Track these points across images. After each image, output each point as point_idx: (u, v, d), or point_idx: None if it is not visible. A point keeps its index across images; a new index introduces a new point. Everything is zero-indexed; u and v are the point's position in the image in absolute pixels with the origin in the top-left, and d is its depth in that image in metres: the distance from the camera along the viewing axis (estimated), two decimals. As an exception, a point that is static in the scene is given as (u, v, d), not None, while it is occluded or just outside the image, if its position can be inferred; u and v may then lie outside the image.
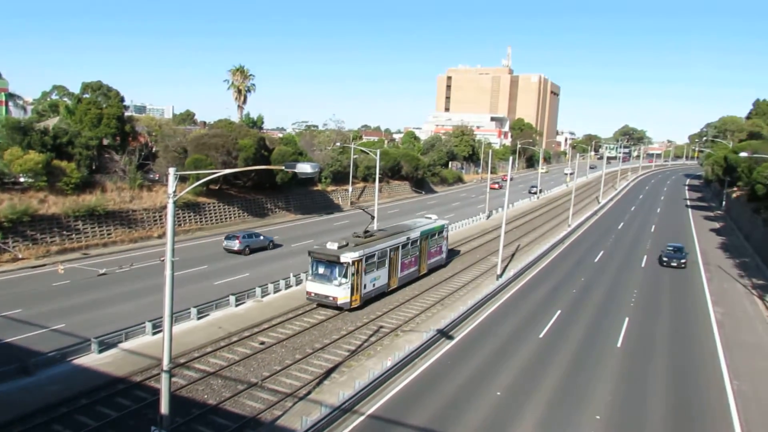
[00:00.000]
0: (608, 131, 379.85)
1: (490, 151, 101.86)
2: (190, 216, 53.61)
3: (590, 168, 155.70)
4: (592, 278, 42.42)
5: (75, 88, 70.32)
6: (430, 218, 45.65)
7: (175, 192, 14.69)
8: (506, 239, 44.25)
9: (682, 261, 46.82)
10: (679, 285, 41.63)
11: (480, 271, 43.83)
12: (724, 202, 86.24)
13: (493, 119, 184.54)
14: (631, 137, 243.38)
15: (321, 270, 32.39)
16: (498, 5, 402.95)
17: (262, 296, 34.06)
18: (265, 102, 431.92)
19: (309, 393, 22.33)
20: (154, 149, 60.71)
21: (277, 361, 25.31)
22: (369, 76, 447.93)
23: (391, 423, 20.14)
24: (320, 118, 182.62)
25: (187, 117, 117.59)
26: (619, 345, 28.86)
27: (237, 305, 32.09)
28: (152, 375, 22.67)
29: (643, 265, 47.76)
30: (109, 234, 45.80)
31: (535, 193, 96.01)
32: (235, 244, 45.28)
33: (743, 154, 52.63)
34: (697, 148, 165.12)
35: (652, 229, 66.68)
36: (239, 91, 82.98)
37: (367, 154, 73.11)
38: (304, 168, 14.92)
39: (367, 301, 33.98)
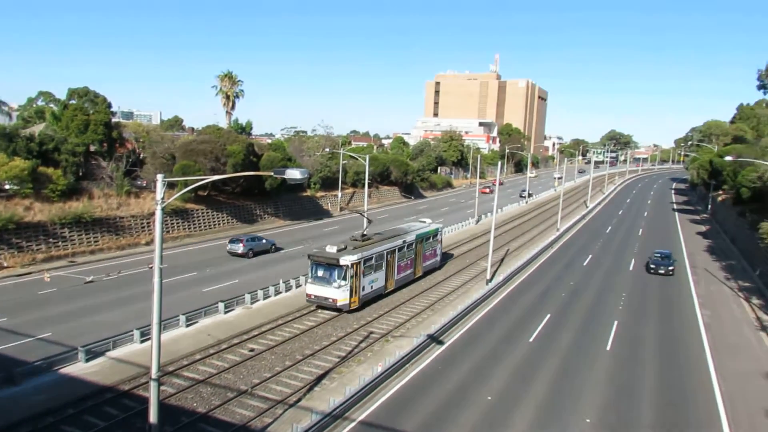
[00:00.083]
0: (595, 136, 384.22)
1: (479, 156, 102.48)
2: (178, 222, 53.26)
3: (579, 172, 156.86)
4: (581, 282, 42.66)
5: (61, 95, 69.98)
6: (424, 222, 46.43)
7: (163, 198, 14.61)
8: (495, 244, 44.49)
9: (670, 268, 45.78)
10: (666, 288, 41.97)
11: (470, 276, 43.92)
12: (709, 206, 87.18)
13: (481, 124, 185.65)
14: (618, 142, 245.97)
15: (320, 273, 33.04)
16: (486, 12, 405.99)
17: (252, 303, 33.88)
18: (254, 108, 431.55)
19: (299, 400, 22.21)
20: (141, 155, 60.38)
21: (267, 368, 25.16)
22: (358, 81, 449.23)
23: (382, 429, 20.08)
24: (309, 124, 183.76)
25: (175, 123, 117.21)
26: (608, 348, 29.01)
27: (226, 312, 31.87)
28: (140, 383, 22.43)
29: (631, 268, 48.11)
30: (96, 241, 45.39)
31: (528, 196, 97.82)
32: (239, 247, 46.26)
33: (728, 158, 53.27)
34: (682, 152, 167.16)
35: (640, 233, 67.25)
36: (227, 97, 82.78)
37: (357, 159, 73.11)
38: (293, 174, 14.90)
39: (366, 302, 34.55)
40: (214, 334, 28.53)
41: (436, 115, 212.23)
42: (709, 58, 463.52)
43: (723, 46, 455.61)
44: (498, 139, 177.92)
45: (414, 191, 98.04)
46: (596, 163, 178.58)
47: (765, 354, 29.53)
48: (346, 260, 32.25)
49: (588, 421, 21.16)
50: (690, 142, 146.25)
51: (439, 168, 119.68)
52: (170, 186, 46.12)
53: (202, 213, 56.30)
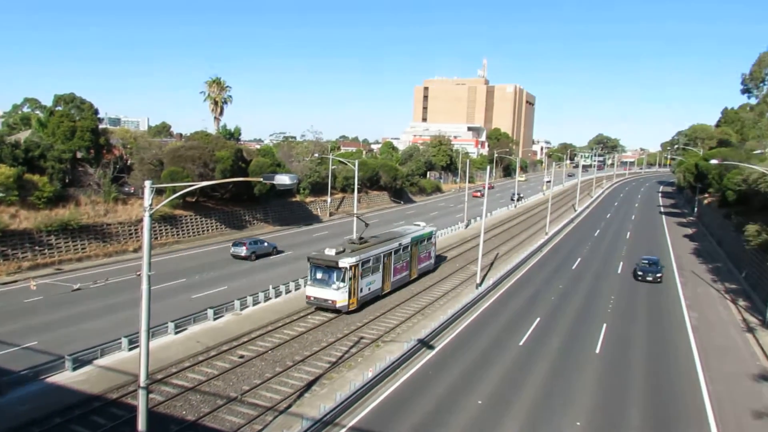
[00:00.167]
0: (583, 140, 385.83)
1: (468, 160, 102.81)
2: (166, 229, 52.91)
3: (568, 176, 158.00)
4: (570, 285, 42.89)
5: (47, 101, 69.48)
6: (419, 225, 47.40)
7: (151, 205, 14.52)
8: (485, 248, 44.66)
9: (658, 276, 44.32)
10: (654, 291, 42.28)
11: (460, 280, 44.02)
12: (696, 209, 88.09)
13: (470, 129, 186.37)
14: (606, 145, 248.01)
15: (320, 275, 33.88)
16: (474, 17, 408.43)
17: (242, 309, 33.71)
18: (243, 113, 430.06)
19: (290, 406, 22.11)
20: (129, 162, 59.93)
21: (256, 374, 25.02)
22: (347, 87, 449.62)
23: (372, 435, 20.03)
24: (298, 129, 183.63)
25: (163, 129, 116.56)
26: (597, 351, 29.17)
27: (215, 318, 31.69)
28: (129, 392, 22.21)
29: (619, 271, 48.44)
30: (83, 248, 44.95)
31: (518, 199, 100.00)
32: (242, 251, 47.55)
33: (713, 162, 53.78)
34: (669, 156, 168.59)
35: (628, 236, 67.77)
36: (216, 103, 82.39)
37: (346, 164, 73.09)
38: (283, 179, 14.85)
39: (363, 304, 35.36)
40: (203, 341, 28.34)
41: (425, 120, 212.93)
42: (694, 63, 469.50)
43: (708, 51, 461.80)
44: (487, 144, 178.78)
45: (403, 196, 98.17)
46: (584, 166, 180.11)
47: (751, 355, 29.84)
48: (344, 263, 33.04)
49: (578, 424, 21.24)
50: (676, 146, 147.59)
51: (428, 173, 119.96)
52: (158, 192, 45.65)
53: (191, 219, 55.98)
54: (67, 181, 51.51)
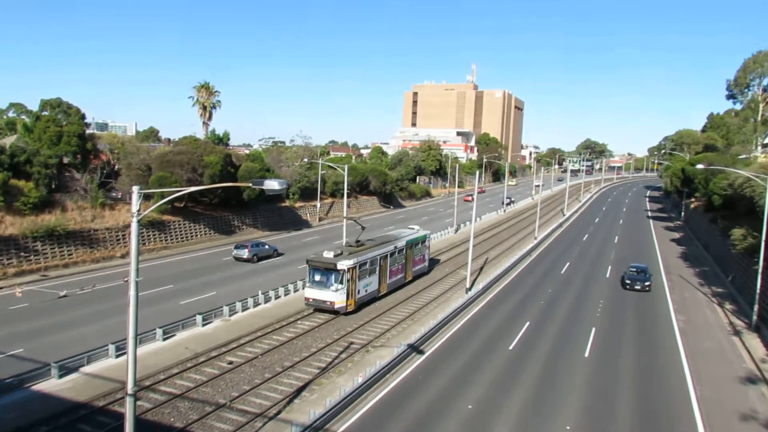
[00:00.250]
0: (571, 144, 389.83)
1: (457, 165, 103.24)
2: (154, 234, 52.52)
3: (558, 180, 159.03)
4: (559, 290, 43.07)
5: (33, 106, 68.60)
6: (413, 228, 48.35)
7: (139, 210, 14.40)
8: (475, 252, 44.81)
9: (647, 284, 43.00)
10: (642, 295, 42.54)
11: (450, 285, 44.07)
12: (683, 213, 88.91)
13: (459, 134, 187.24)
14: (594, 150, 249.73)
15: (318, 277, 34.46)
16: (463, 22, 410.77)
17: (230, 315, 33.51)
18: (232, 118, 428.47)
19: (279, 413, 21.97)
20: (116, 167, 59.43)
21: (246, 380, 24.85)
22: (336, 92, 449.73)
23: (363, 440, 19.95)
24: (287, 134, 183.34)
25: (151, 134, 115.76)
26: (586, 355, 29.30)
27: (204, 325, 31.46)
28: (116, 399, 21.97)
29: (607, 275, 48.74)
30: (69, 254, 44.49)
31: (509, 203, 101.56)
32: (245, 253, 48.93)
33: (700, 166, 54.31)
34: (656, 161, 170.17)
35: (616, 240, 68.26)
36: (204, 108, 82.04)
37: (335, 169, 73.05)
38: (272, 184, 14.80)
39: (361, 305, 36.11)
40: (191, 347, 28.12)
41: (414, 125, 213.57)
42: (680, 70, 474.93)
43: (693, 58, 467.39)
44: (476, 149, 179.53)
45: (393, 201, 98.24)
46: (573, 171, 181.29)
47: (738, 358, 30.11)
48: (342, 265, 33.72)
49: (568, 428, 21.29)
50: (663, 151, 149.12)
51: (417, 177, 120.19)
52: (146, 198, 45.40)
53: (179, 225, 55.62)
54: (53, 186, 50.98)
